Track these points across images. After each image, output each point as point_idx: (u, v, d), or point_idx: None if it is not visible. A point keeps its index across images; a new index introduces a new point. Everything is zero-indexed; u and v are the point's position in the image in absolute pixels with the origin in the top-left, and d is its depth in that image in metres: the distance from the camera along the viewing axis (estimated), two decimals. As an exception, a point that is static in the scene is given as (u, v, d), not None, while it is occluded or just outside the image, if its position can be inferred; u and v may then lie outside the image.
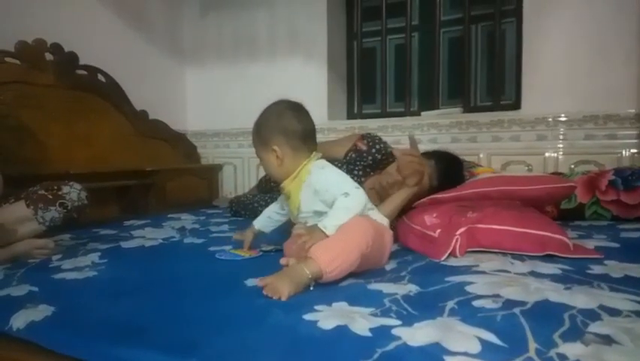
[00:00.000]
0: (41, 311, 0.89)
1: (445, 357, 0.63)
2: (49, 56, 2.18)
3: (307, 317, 0.80)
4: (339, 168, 1.29)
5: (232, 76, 3.03)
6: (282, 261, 1.04)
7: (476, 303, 0.86)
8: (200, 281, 1.10)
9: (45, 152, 2.11)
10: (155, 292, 1.01)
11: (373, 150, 1.78)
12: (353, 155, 1.80)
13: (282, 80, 2.83)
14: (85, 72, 2.35)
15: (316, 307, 0.84)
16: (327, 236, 1.05)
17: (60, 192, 1.46)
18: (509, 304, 0.84)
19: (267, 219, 1.38)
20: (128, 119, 2.59)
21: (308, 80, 2.73)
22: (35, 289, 1.05)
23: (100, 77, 2.43)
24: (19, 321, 0.87)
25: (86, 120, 2.34)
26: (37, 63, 2.13)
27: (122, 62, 2.60)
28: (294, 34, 2.82)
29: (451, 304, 0.86)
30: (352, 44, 2.93)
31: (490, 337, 0.70)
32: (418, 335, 0.71)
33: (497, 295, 0.90)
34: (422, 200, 1.52)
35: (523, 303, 0.84)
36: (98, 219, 2.00)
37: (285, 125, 1.17)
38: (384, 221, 1.22)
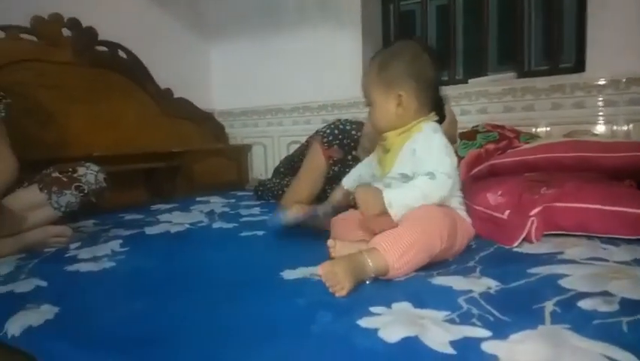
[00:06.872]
0: (43, 313, 0.76)
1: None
2: (66, 32, 2.06)
3: (363, 322, 0.64)
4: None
5: (259, 50, 2.85)
6: (329, 242, 0.93)
7: (583, 304, 0.66)
8: (228, 275, 0.94)
9: (66, 134, 1.99)
10: (175, 291, 0.85)
11: (346, 147, 1.52)
12: (335, 168, 1.50)
13: (312, 52, 2.63)
14: (105, 48, 2.22)
15: (372, 309, 0.68)
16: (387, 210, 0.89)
17: (75, 175, 1.32)
18: (628, 305, 0.64)
19: (359, 178, 1.19)
20: (153, 99, 2.46)
21: (340, 49, 2.53)
22: (43, 283, 0.93)
23: (121, 53, 2.30)
24: (14, 327, 0.73)
25: (107, 100, 2.21)
26: (54, 39, 2.00)
27: (143, 38, 2.44)
28: (324, 0, 2.60)
29: (549, 305, 0.66)
30: (388, 7, 2.70)
31: (623, 356, 0.50)
32: (520, 352, 0.53)
33: (606, 293, 0.70)
34: (479, 168, 1.30)
35: (648, 304, 0.64)
36: (124, 203, 1.89)
37: (420, 71, 0.99)
38: (467, 217, 1.02)
